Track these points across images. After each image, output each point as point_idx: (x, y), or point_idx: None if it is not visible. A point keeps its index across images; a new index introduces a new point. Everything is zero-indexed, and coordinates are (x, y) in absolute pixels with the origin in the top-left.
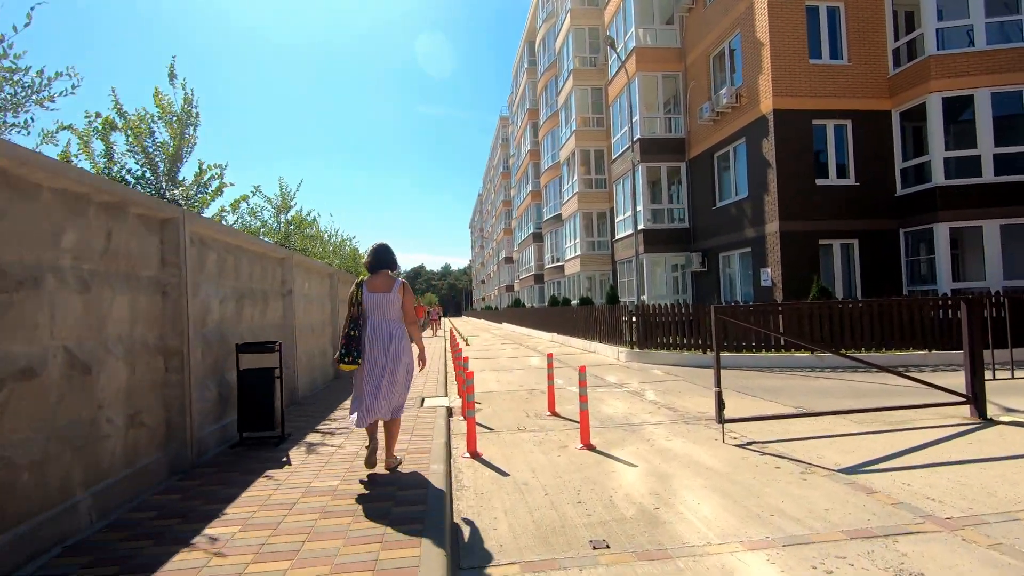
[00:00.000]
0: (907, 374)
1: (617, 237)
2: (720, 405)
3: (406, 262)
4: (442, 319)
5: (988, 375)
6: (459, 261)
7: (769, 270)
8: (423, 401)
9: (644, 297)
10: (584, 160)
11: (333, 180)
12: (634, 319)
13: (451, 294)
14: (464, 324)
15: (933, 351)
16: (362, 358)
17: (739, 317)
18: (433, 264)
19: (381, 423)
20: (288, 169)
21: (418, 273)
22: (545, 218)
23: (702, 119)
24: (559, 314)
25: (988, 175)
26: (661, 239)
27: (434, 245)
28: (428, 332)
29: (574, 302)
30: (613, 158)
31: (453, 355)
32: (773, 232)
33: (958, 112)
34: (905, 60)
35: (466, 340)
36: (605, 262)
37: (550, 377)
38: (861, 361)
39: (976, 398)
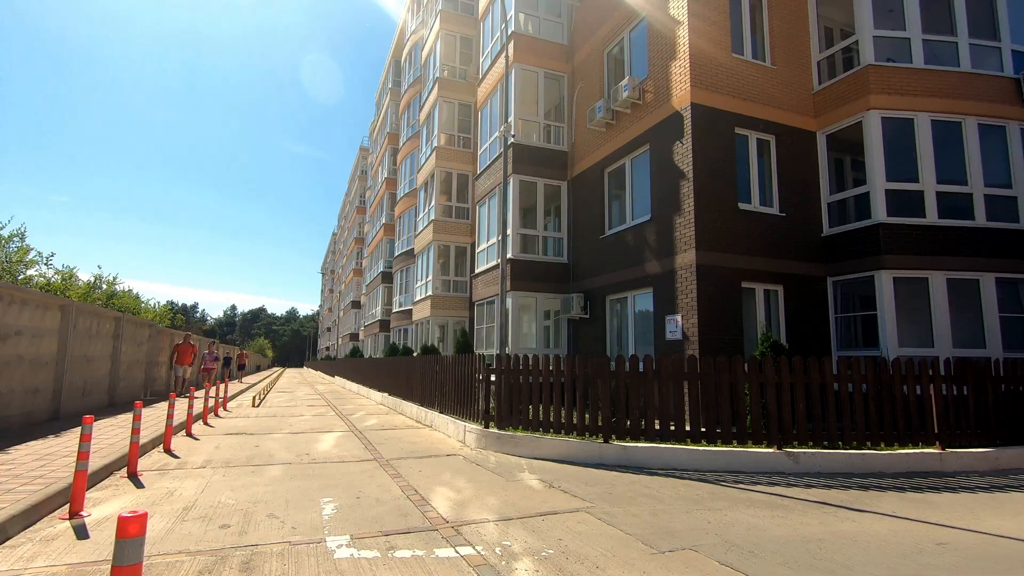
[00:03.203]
0: None
1: (477, 271)
2: None
3: (246, 303)
4: (234, 367)
5: None
6: (310, 307)
7: (679, 317)
8: None
9: (508, 349)
10: (445, 185)
11: (175, 200)
12: (493, 378)
13: (295, 342)
14: (294, 377)
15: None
16: None
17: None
18: (278, 308)
19: None
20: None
21: (256, 316)
22: (397, 253)
23: (593, 123)
24: (392, 368)
25: (932, 216)
26: (532, 275)
27: (283, 289)
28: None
29: (416, 353)
30: (478, 173)
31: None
32: (687, 265)
33: (896, 138)
34: (827, 75)
35: (256, 400)
36: (462, 307)
37: None
38: None
39: None
